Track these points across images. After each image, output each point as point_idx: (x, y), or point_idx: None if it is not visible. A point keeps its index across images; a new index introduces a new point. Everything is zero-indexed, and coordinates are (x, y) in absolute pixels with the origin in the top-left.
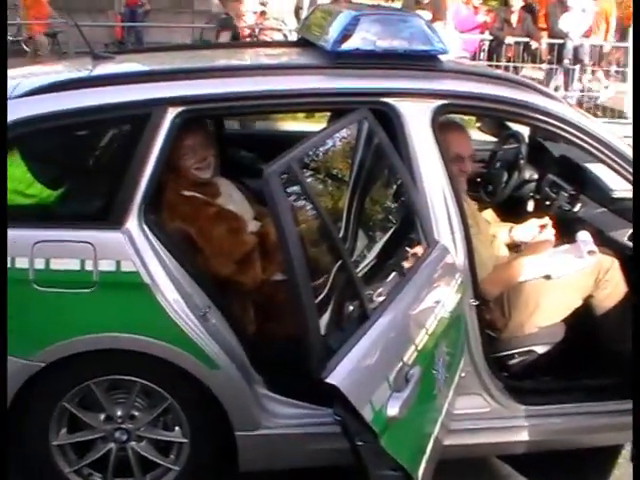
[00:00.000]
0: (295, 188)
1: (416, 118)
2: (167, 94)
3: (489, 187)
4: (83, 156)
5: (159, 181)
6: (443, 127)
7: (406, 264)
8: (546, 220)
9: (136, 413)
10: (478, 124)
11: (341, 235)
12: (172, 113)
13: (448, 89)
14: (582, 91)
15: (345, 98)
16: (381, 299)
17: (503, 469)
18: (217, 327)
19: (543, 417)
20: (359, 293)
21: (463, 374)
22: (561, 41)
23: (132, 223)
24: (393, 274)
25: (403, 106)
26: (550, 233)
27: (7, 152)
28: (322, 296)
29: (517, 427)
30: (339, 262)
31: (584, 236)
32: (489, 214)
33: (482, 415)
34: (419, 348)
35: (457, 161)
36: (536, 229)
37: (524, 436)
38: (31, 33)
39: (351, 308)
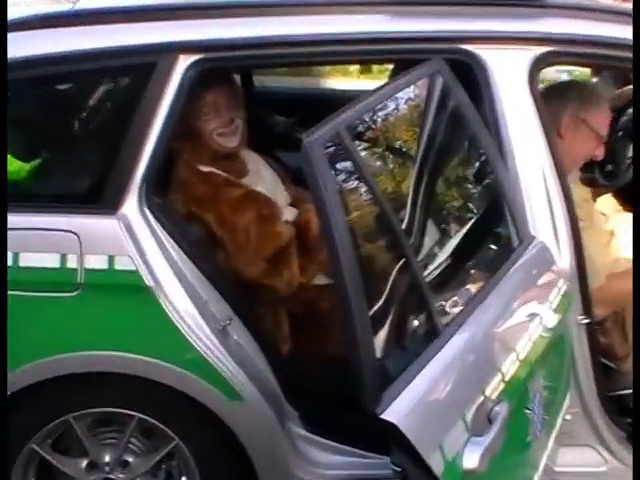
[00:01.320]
0: (344, 164)
1: (509, 71)
2: (178, 37)
3: (608, 166)
4: (65, 118)
5: (167, 152)
6: (580, 95)
7: (490, 267)
8: None
9: (130, 459)
10: (594, 79)
11: (404, 227)
12: (185, 63)
13: (553, 31)
14: None
15: (412, 45)
16: (456, 312)
17: None
18: (240, 345)
19: None
20: (427, 303)
21: (569, 417)
22: None
23: (130, 207)
24: (472, 279)
25: (491, 55)
26: None
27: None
28: (378, 306)
29: None
30: (401, 262)
31: None
32: (607, 202)
33: (596, 475)
34: (507, 378)
35: (592, 141)
36: None
37: None
38: None
39: (416, 323)
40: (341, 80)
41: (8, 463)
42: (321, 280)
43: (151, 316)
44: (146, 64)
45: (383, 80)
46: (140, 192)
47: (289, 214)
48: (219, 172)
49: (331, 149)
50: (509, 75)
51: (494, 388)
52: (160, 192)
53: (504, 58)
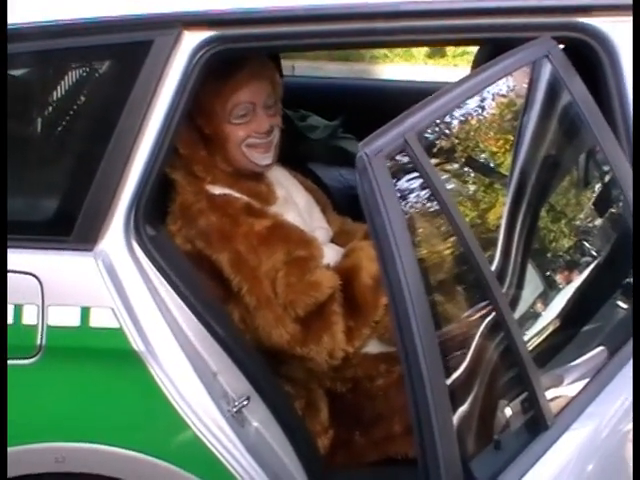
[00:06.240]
0: (413, 184)
1: None
2: (182, 7)
3: None
4: (23, 117)
5: (166, 165)
6: None
7: (618, 333)
8: None
9: None
10: None
11: (494, 269)
12: (191, 42)
13: None
14: None
15: (507, 19)
16: (571, 395)
17: None
18: (261, 435)
19: None
20: (528, 382)
21: None
22: None
23: (113, 240)
24: (597, 350)
25: (621, 33)
26: None
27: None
28: (459, 384)
29: None
30: (489, 320)
31: None
32: None
33: None
34: None
35: None
36: None
37: None
38: None
39: (512, 410)
40: (403, 66)
41: None
42: (374, 348)
43: (138, 392)
44: (138, 43)
45: (460, 66)
46: (127, 220)
47: (331, 255)
48: (237, 195)
49: (395, 163)
50: None
51: None
52: (155, 221)
53: None
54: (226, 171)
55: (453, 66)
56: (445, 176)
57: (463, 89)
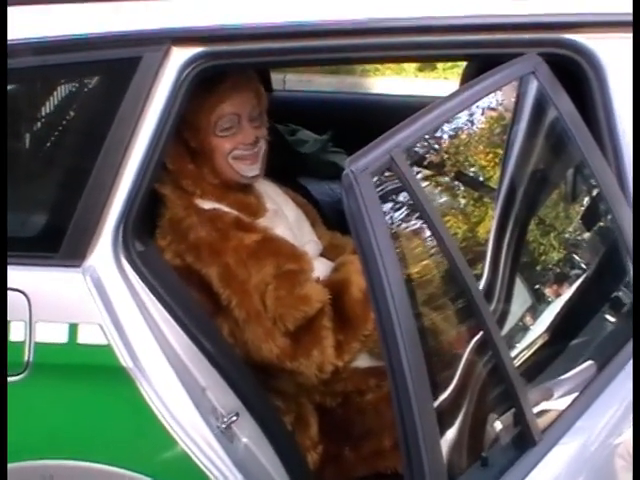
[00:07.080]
0: (401, 201)
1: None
2: (170, 24)
3: None
4: (11, 132)
5: (155, 180)
6: None
7: (607, 347)
8: None
9: None
10: None
11: (483, 286)
12: (180, 58)
13: None
14: None
15: (495, 35)
16: (559, 409)
17: None
18: (250, 451)
19: None
20: (516, 397)
21: None
22: None
23: (101, 256)
24: (585, 364)
25: (607, 49)
26: None
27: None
28: (446, 400)
29: None
30: (478, 338)
31: None
32: None
33: None
34: None
35: None
36: None
37: None
38: None
39: (500, 425)
40: (394, 80)
41: None
42: (364, 362)
43: (126, 409)
44: (127, 59)
45: (450, 79)
46: (115, 236)
47: (321, 269)
48: (227, 209)
49: (382, 178)
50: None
51: None
52: (144, 236)
53: (626, 53)
54: (214, 184)
55: (444, 79)
56: (434, 191)
57: (454, 104)
